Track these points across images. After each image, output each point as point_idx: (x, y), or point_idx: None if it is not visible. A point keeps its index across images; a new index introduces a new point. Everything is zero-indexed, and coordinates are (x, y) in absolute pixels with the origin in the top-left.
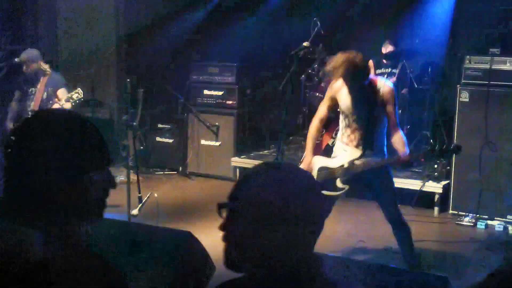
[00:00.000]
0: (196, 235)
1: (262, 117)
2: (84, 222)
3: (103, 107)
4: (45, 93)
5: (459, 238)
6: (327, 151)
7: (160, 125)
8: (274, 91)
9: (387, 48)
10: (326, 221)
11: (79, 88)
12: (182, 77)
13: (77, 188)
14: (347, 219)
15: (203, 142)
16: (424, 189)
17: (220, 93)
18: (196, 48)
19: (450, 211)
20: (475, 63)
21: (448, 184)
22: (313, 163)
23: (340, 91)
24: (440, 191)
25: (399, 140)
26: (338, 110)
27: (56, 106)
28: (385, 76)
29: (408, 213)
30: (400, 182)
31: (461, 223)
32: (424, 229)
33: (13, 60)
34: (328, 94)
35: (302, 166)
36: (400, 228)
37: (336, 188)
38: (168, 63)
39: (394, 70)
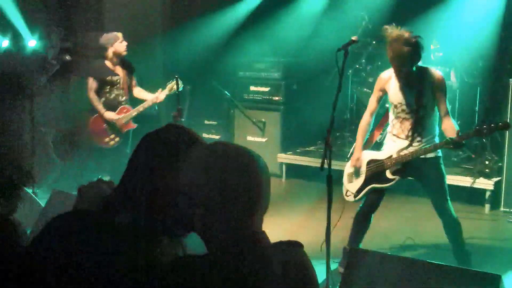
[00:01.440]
0: None
1: (309, 113)
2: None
3: None
4: (128, 79)
5: (511, 236)
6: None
7: (206, 121)
8: (321, 87)
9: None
10: (373, 218)
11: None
12: (229, 73)
13: None
14: (394, 215)
15: (249, 138)
16: (475, 185)
17: (267, 89)
18: (243, 43)
19: (502, 208)
20: None
21: (500, 180)
22: (362, 157)
23: (388, 82)
24: (491, 187)
25: (450, 128)
26: (387, 105)
27: (149, 97)
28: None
29: (458, 210)
30: (451, 179)
31: None
32: (475, 226)
33: (64, 57)
34: (376, 86)
35: (351, 161)
36: (450, 222)
37: (386, 180)
38: (214, 59)
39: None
